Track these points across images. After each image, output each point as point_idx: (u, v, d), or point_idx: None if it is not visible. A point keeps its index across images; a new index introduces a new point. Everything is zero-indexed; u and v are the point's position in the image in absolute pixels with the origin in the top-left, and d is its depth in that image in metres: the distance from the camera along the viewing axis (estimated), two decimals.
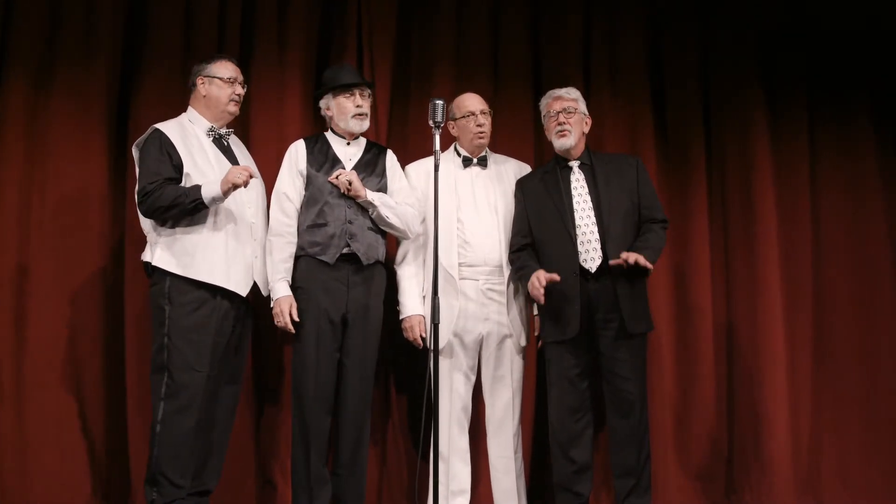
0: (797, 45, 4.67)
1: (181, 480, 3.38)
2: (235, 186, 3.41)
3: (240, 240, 3.55)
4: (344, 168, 3.74)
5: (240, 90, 3.71)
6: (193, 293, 3.43)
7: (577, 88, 3.91)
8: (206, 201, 3.41)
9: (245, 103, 4.21)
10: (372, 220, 3.70)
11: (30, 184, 4.02)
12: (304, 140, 3.84)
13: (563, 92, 3.85)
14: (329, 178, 3.69)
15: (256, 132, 4.23)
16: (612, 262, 3.57)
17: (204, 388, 3.42)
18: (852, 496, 4.31)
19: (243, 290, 3.55)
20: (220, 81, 3.66)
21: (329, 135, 3.85)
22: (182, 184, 3.49)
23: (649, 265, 3.55)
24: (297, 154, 3.77)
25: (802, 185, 4.59)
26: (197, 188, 3.43)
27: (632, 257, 3.51)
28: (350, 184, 3.64)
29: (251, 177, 3.44)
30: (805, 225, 4.55)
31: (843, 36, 4.68)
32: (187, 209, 3.42)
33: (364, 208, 3.69)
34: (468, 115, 3.86)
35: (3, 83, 4.06)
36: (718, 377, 4.42)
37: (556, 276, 3.57)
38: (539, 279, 3.58)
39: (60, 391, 3.90)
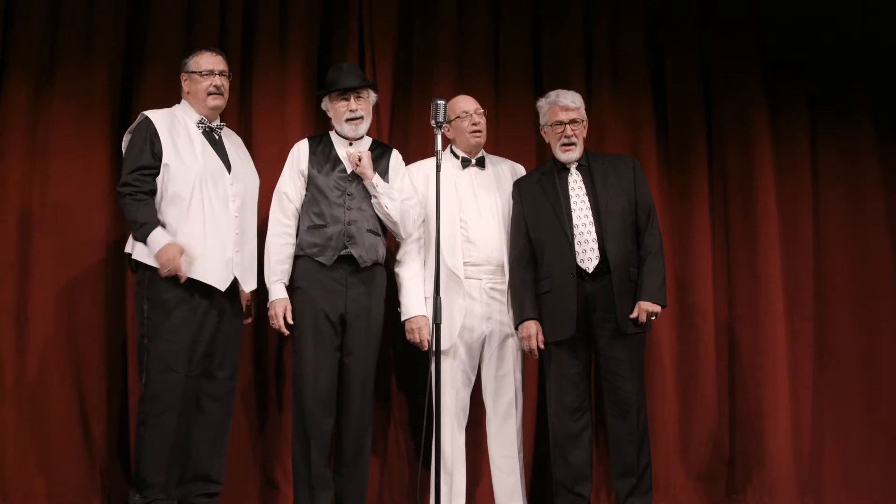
0: (798, 43, 4.67)
1: (164, 482, 3.38)
2: (161, 266, 3.36)
3: (219, 233, 3.48)
4: (345, 170, 3.73)
5: (218, 81, 3.62)
6: (171, 291, 3.39)
7: (578, 87, 3.90)
8: (147, 243, 3.39)
9: (246, 103, 4.25)
10: (371, 222, 3.69)
11: (31, 184, 4.01)
12: (308, 140, 3.83)
13: (568, 101, 3.79)
14: (346, 151, 3.71)
15: (258, 132, 4.22)
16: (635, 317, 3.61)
17: (184, 389, 3.40)
18: (853, 496, 4.30)
19: (222, 285, 3.49)
20: (197, 76, 3.61)
21: (333, 135, 3.84)
22: (160, 175, 3.45)
23: (659, 309, 3.62)
24: (299, 154, 3.77)
25: (804, 184, 4.58)
26: (150, 227, 3.39)
27: (643, 315, 3.57)
28: (360, 160, 3.64)
29: (178, 274, 3.34)
30: (806, 224, 4.55)
31: (844, 34, 4.67)
32: (135, 235, 3.44)
33: (365, 210, 3.68)
34: (463, 115, 3.87)
35: (5, 83, 4.05)
36: (720, 377, 4.42)
37: (541, 345, 3.66)
38: (532, 342, 3.66)
39: (61, 390, 3.89)
